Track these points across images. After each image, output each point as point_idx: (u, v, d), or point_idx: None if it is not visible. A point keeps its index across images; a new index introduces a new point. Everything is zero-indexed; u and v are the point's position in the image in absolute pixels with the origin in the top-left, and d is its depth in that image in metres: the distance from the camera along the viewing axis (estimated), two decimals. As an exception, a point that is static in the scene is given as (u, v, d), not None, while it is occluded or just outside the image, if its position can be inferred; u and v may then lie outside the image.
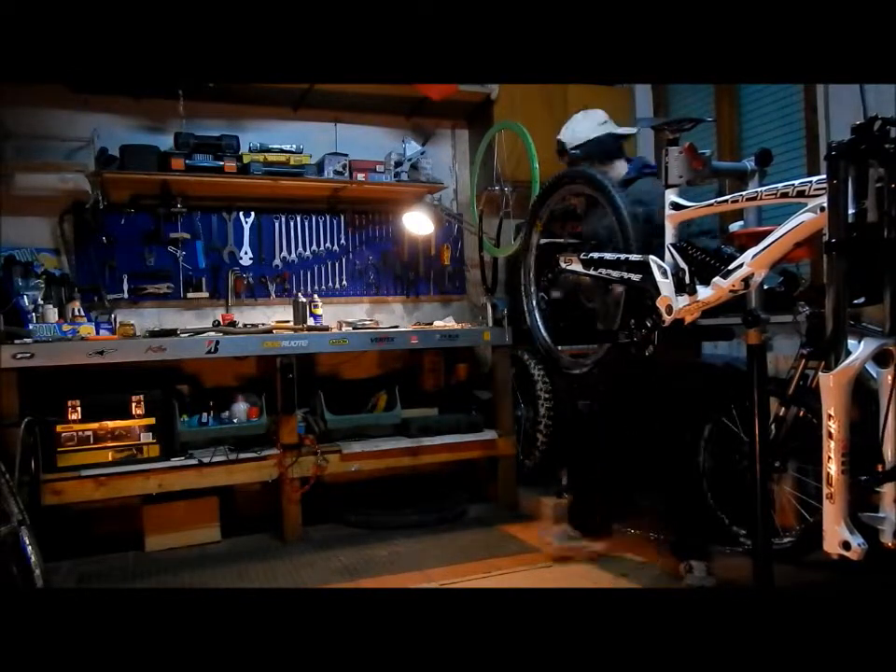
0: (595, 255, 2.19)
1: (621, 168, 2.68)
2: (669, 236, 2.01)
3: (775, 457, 2.52)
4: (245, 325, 3.52)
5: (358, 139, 3.98)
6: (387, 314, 4.13)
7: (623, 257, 2.09)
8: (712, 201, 1.94)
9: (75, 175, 3.43)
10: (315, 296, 3.75)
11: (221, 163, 3.48)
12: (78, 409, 2.99)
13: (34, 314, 3.08)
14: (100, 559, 3.10)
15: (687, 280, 1.91)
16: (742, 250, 1.83)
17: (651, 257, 1.99)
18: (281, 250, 3.87)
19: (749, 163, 2.04)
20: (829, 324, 1.57)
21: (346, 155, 3.78)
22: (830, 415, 1.58)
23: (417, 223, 3.93)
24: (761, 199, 1.80)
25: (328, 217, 3.98)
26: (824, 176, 1.59)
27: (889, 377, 1.71)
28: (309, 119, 3.93)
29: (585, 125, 2.70)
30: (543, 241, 2.63)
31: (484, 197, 3.84)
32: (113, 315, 3.41)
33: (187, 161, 3.43)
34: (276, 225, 3.87)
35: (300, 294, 3.73)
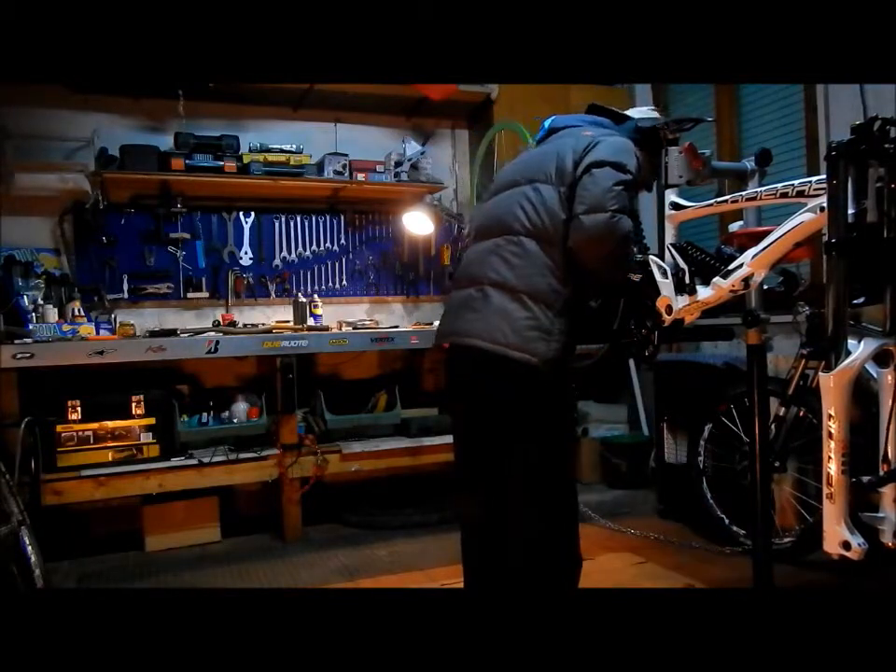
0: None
1: None
2: (669, 236, 2.01)
3: (775, 457, 2.52)
4: (245, 325, 3.53)
5: (358, 139, 3.98)
6: (387, 314, 4.13)
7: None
8: (712, 201, 1.95)
9: (75, 175, 3.43)
10: (315, 296, 3.75)
11: (221, 163, 3.48)
12: (78, 409, 2.98)
13: (34, 314, 3.07)
14: (100, 559, 3.10)
15: (687, 280, 1.91)
16: (742, 250, 1.83)
17: (651, 257, 1.99)
18: (281, 250, 3.87)
19: (749, 163, 2.04)
20: (829, 324, 1.57)
21: (346, 155, 3.79)
22: (830, 415, 1.59)
23: (417, 223, 3.93)
24: (760, 199, 1.80)
25: (328, 217, 3.98)
26: (824, 176, 1.59)
27: (889, 377, 1.71)
28: (309, 119, 3.92)
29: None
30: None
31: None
32: (113, 315, 3.41)
33: (187, 161, 3.43)
34: (276, 225, 3.87)
35: (300, 294, 3.74)
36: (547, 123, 2.00)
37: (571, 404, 1.92)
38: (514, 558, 1.82)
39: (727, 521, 2.88)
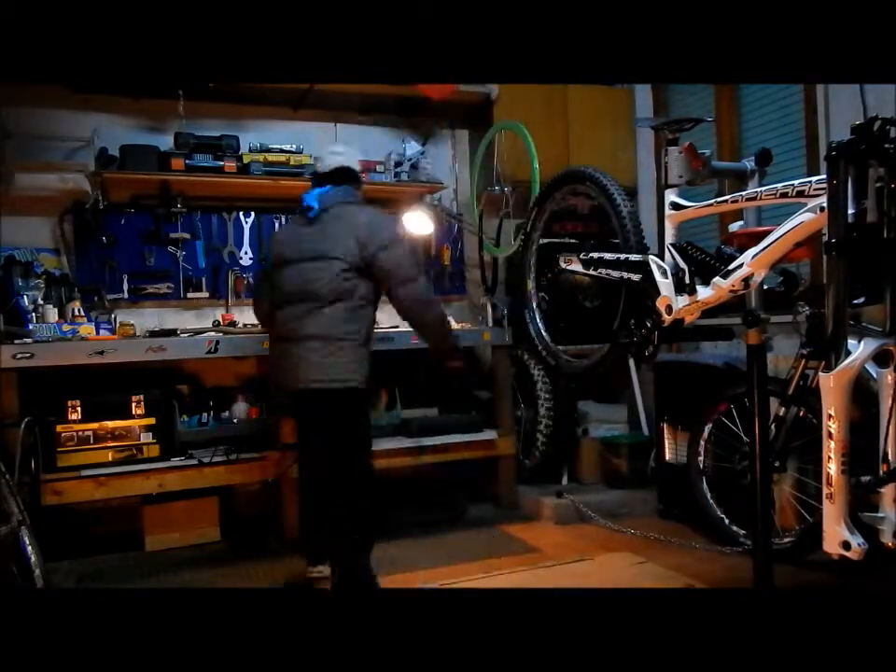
0: (595, 255, 2.19)
1: None
2: (669, 236, 2.01)
3: (775, 457, 2.52)
4: (245, 325, 3.52)
5: (358, 139, 3.98)
6: (387, 314, 4.11)
7: (622, 257, 2.08)
8: (712, 201, 1.94)
9: (75, 175, 3.43)
10: (315, 296, 3.75)
11: (221, 163, 3.48)
12: (78, 409, 2.98)
13: (34, 314, 3.07)
14: (100, 559, 3.10)
15: (687, 280, 1.91)
16: (742, 250, 1.83)
17: (652, 257, 1.99)
18: (281, 250, 3.87)
19: (749, 163, 2.04)
20: (829, 324, 1.58)
21: (346, 155, 3.78)
22: (830, 415, 1.59)
23: (417, 223, 3.93)
24: (760, 199, 1.80)
25: (328, 217, 3.97)
26: (824, 176, 1.59)
27: (889, 377, 1.71)
28: (309, 119, 3.92)
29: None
30: (543, 241, 2.63)
31: (484, 197, 3.84)
32: (113, 315, 3.40)
33: (187, 161, 3.42)
34: (276, 225, 3.86)
35: (300, 294, 3.73)
36: (316, 203, 2.44)
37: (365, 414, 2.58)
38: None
39: (727, 521, 2.88)
